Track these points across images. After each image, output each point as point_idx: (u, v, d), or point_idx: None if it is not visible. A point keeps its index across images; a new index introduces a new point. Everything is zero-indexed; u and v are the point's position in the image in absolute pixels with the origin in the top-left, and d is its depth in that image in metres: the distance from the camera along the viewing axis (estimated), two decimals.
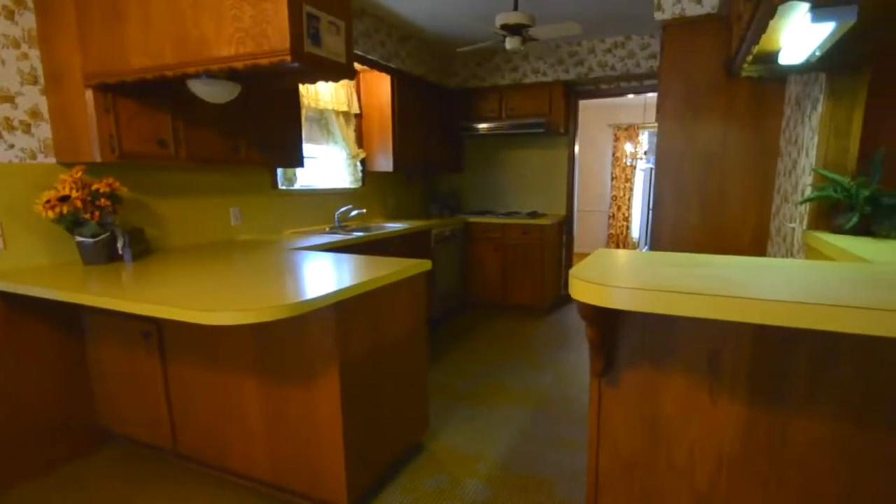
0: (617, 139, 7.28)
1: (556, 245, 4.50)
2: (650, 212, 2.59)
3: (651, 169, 2.62)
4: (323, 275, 1.78)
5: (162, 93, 2.14)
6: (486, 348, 3.50)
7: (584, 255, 7.51)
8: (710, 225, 2.54)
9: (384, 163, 3.99)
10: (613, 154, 7.35)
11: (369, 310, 1.77)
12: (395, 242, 3.49)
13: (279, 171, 3.38)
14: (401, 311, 1.96)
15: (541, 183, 4.68)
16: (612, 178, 7.43)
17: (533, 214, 4.40)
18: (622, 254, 1.36)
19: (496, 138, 4.82)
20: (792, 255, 2.06)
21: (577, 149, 4.44)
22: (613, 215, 7.54)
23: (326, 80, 2.03)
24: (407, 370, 2.03)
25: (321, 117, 3.80)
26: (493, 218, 4.33)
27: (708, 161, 2.51)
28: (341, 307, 1.59)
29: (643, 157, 6.57)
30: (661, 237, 2.64)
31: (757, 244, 2.50)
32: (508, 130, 4.27)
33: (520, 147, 4.73)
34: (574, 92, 4.36)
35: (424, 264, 2.04)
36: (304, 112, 3.46)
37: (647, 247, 2.74)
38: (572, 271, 1.08)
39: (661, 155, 2.60)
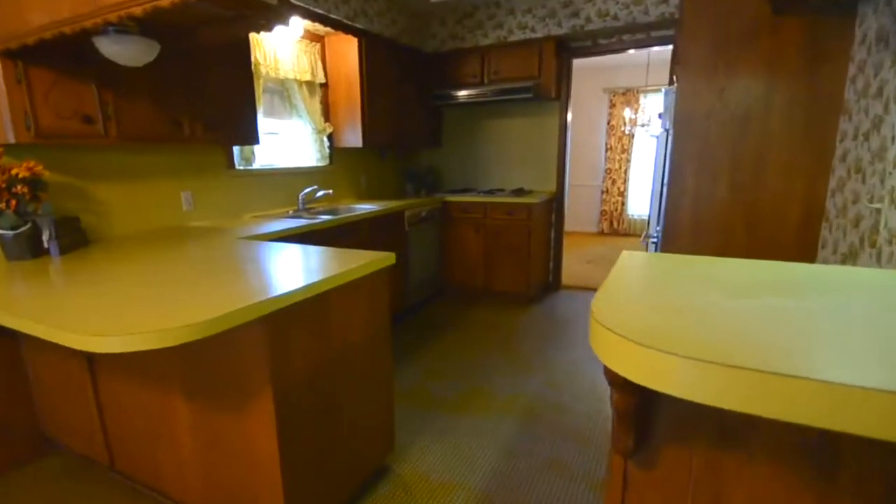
0: (613, 105, 6.84)
1: (545, 226, 4.16)
2: (663, 186, 2.21)
3: (666, 134, 2.21)
4: (263, 276, 1.48)
5: (82, 59, 1.83)
6: (465, 343, 3.21)
7: (574, 235, 7.17)
8: (744, 201, 2.14)
9: (353, 138, 3.59)
10: (608, 122, 6.92)
11: (316, 317, 1.46)
12: (365, 226, 3.13)
13: (235, 149, 2.99)
14: (359, 314, 1.64)
15: (528, 156, 4.29)
16: (607, 149, 7.03)
17: (518, 192, 4.03)
18: (661, 264, 1.01)
19: (478, 107, 4.39)
20: (873, 246, 1.63)
21: (569, 116, 4.05)
22: (607, 190, 7.17)
23: (257, 28, 1.72)
24: (367, 383, 1.73)
25: (282, 88, 3.38)
26: (474, 196, 3.96)
27: (743, 122, 2.07)
28: (274, 319, 1.28)
29: (647, 123, 6.14)
30: (679, 216, 2.26)
31: (807, 227, 2.06)
32: (492, 98, 3.85)
33: (505, 116, 4.31)
34: (567, 50, 3.91)
35: (386, 258, 1.70)
36: (261, 83, 3.04)
37: (659, 227, 2.35)
38: (595, 309, 0.74)
39: (682, 117, 2.18)
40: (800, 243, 2.07)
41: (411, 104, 4.04)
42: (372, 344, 1.73)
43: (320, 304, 1.46)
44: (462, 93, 3.98)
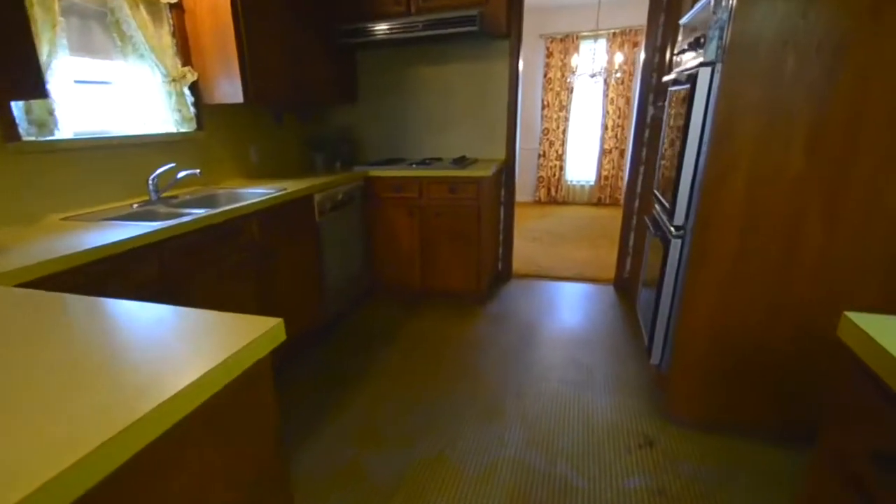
0: (550, 54, 6.09)
1: (494, 203, 3.37)
2: (699, 154, 1.45)
3: (710, 70, 1.41)
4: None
5: None
6: (407, 373, 2.39)
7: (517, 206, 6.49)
8: (827, 176, 1.47)
9: (229, 90, 2.48)
10: (545, 74, 6.18)
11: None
12: (255, 223, 2.14)
13: (16, 108, 1.81)
14: (220, 458, 0.74)
15: (472, 115, 3.42)
16: (544, 106, 6.33)
17: (461, 162, 3.17)
18: None
19: (405, 49, 3.40)
20: None
21: (520, 63, 3.21)
22: (544, 153, 6.53)
23: None
24: None
25: (104, 10, 2.16)
26: (406, 170, 3.04)
27: (837, 54, 1.37)
28: None
29: (598, 73, 5.44)
30: (723, 201, 1.56)
31: None
32: (424, 32, 2.87)
33: (441, 61, 3.37)
34: None
35: (268, 338, 0.80)
36: None
37: (688, 218, 1.58)
38: None
39: (741, 43, 1.42)
40: None
41: (313, 44, 2.96)
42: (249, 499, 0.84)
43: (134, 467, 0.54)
44: (382, 27, 2.96)
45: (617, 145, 6.21)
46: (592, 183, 6.54)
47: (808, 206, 1.51)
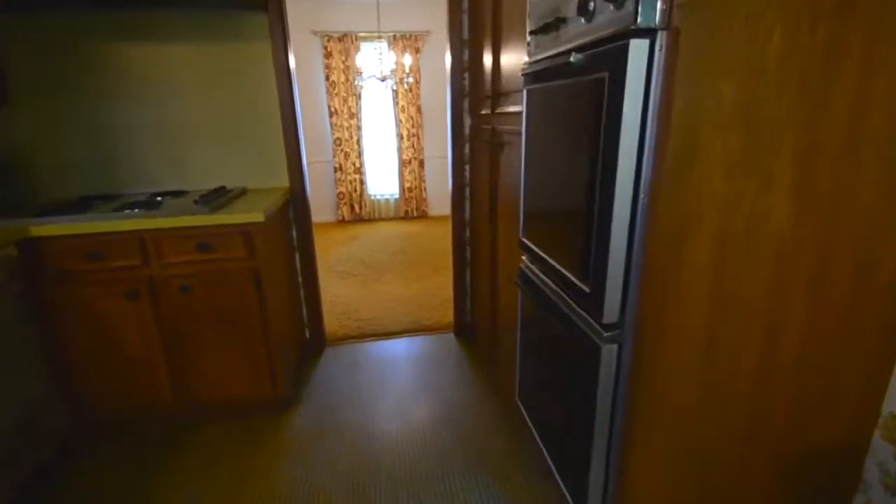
0: (329, 55, 5.16)
1: (283, 251, 2.28)
2: (637, 200, 0.73)
3: (648, 55, 0.68)
4: None
5: None
6: None
7: (315, 226, 5.39)
8: (815, 235, 0.89)
9: None
10: (327, 77, 5.23)
11: None
12: None
13: None
14: None
15: (230, 119, 2.25)
16: (332, 114, 5.37)
17: (216, 197, 2.00)
18: None
19: (96, 16, 2.03)
20: None
21: (291, 56, 2.19)
22: (340, 167, 5.58)
23: None
24: None
25: None
26: (109, 221, 1.72)
27: (843, 19, 0.75)
28: None
29: (388, 77, 4.62)
30: (682, 282, 0.87)
31: None
32: None
33: (166, 36, 2.11)
34: None
35: None
36: None
37: (627, 310, 0.76)
38: None
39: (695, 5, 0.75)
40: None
41: None
42: None
43: None
44: None
45: (415, 155, 5.69)
46: (397, 196, 5.89)
47: (792, 275, 0.94)
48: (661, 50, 0.87)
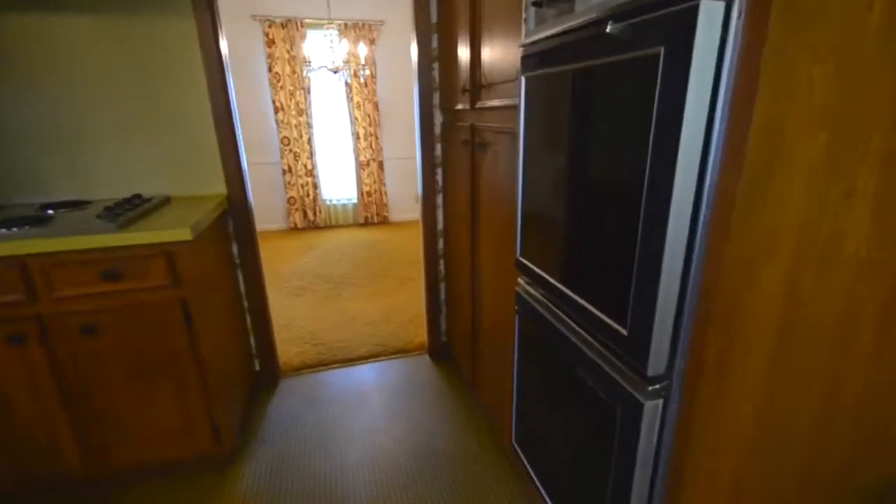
0: (271, 43, 4.69)
1: (222, 272, 1.88)
2: (694, 233, 0.69)
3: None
4: None
5: None
6: None
7: (263, 235, 4.91)
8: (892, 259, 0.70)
9: None
10: (270, 68, 4.76)
11: None
12: None
13: None
14: None
15: (146, 111, 1.82)
16: (277, 110, 4.90)
17: (131, 207, 1.59)
18: None
19: None
20: None
21: (223, 37, 1.80)
22: (290, 169, 5.12)
23: None
24: None
25: None
26: None
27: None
28: None
29: (340, 68, 4.16)
30: (740, 312, 0.65)
31: None
32: None
33: (50, 3, 1.66)
34: None
35: None
36: None
37: (678, 356, 0.46)
38: None
39: None
40: None
41: None
42: None
43: None
44: None
45: (374, 157, 5.31)
46: (355, 201, 5.49)
47: (863, 304, 0.73)
48: (739, 17, 0.60)
